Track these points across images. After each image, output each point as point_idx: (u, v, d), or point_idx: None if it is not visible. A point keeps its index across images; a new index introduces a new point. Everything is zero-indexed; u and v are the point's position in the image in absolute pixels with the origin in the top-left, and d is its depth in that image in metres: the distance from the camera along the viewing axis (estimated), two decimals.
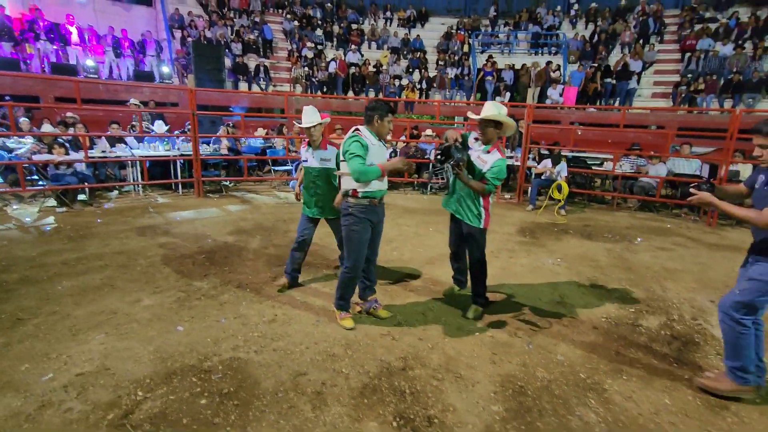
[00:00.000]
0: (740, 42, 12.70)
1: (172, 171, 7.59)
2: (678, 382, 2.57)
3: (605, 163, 8.54)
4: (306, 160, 3.48)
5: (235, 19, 14.96)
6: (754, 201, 2.31)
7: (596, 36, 14.56)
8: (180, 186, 7.71)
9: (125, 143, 7.59)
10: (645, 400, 2.40)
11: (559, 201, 6.94)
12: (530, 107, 8.00)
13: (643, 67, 13.12)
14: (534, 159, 8.31)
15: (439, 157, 2.96)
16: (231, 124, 8.95)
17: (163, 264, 4.18)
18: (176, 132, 8.38)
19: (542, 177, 7.42)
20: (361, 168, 2.68)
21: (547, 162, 7.41)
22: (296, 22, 15.42)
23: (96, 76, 10.99)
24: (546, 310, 3.47)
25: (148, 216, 5.97)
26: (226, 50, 12.72)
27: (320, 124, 3.38)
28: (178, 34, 13.51)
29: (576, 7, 16.32)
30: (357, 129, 2.81)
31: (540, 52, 15.05)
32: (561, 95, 12.74)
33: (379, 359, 2.68)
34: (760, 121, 2.21)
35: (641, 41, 13.88)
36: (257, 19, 15.09)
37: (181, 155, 7.47)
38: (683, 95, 11.91)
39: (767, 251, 2.23)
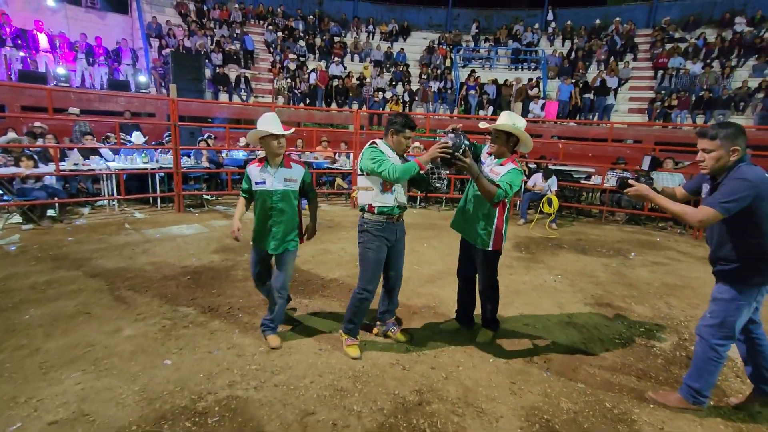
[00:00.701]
0: (708, 61, 13.30)
1: (149, 184, 7.19)
2: (706, 410, 2.45)
3: (592, 177, 8.62)
4: (263, 182, 2.80)
5: (215, 30, 14.65)
6: None
7: (573, 53, 14.98)
8: (159, 200, 7.32)
9: (100, 155, 7.16)
10: (677, 431, 2.27)
11: (550, 215, 6.92)
12: None
13: (619, 84, 13.54)
14: (523, 172, 8.31)
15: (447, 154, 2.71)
16: (213, 136, 8.62)
17: (143, 287, 3.85)
18: (154, 143, 7.99)
19: (532, 191, 7.40)
20: (394, 166, 2.52)
21: (538, 176, 7.42)
22: (279, 33, 15.23)
23: (67, 84, 10.46)
24: (557, 334, 3.34)
25: (124, 233, 5.59)
26: (206, 60, 12.39)
27: (284, 135, 2.76)
28: (155, 43, 13.09)
29: (553, 24, 16.82)
30: (374, 142, 2.68)
31: (520, 67, 15.37)
32: (542, 109, 12.97)
33: (392, 393, 2.47)
34: (710, 126, 2.19)
35: (612, 58, 14.33)
36: (238, 30, 14.82)
37: (161, 168, 7.09)
38: (658, 111, 12.31)
39: (720, 273, 2.27)
